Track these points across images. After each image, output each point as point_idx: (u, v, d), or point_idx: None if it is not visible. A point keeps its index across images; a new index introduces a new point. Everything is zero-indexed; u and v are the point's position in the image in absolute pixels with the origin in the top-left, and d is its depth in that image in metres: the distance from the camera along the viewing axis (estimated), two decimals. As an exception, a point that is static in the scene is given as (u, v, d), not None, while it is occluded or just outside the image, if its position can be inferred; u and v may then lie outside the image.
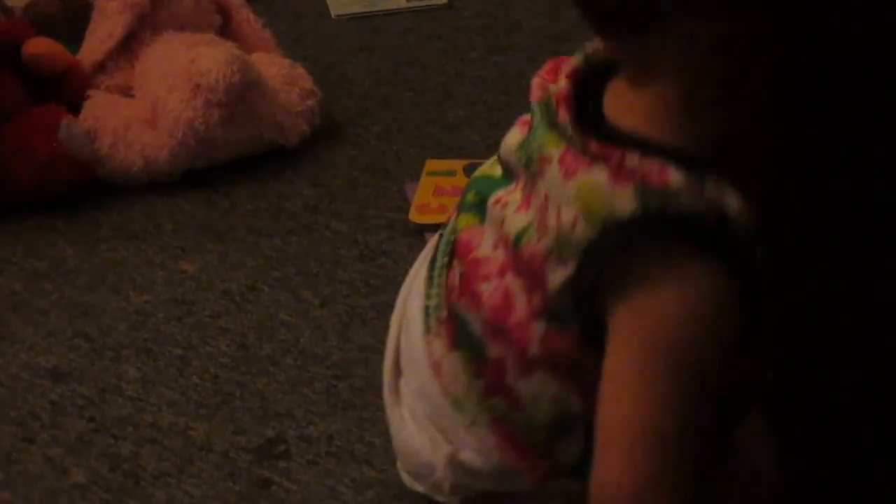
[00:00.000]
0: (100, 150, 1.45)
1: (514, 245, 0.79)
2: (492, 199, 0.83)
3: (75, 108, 1.47)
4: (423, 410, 0.90)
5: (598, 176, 0.73)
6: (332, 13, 1.87)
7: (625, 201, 0.72)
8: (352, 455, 1.05)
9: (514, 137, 0.83)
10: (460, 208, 0.88)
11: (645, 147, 0.72)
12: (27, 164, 1.41)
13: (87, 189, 1.45)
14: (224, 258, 1.33)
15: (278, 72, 1.54)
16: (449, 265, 0.87)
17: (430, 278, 0.90)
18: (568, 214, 0.74)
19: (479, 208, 0.85)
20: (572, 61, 0.80)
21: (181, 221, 1.40)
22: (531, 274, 0.77)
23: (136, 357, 1.18)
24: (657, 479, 0.73)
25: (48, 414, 1.12)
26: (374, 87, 1.65)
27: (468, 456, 0.87)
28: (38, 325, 1.24)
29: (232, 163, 1.48)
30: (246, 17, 1.65)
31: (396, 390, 0.93)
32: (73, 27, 1.66)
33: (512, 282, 0.79)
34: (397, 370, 0.94)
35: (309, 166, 1.49)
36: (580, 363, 0.77)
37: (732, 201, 0.72)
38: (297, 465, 1.04)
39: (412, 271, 0.95)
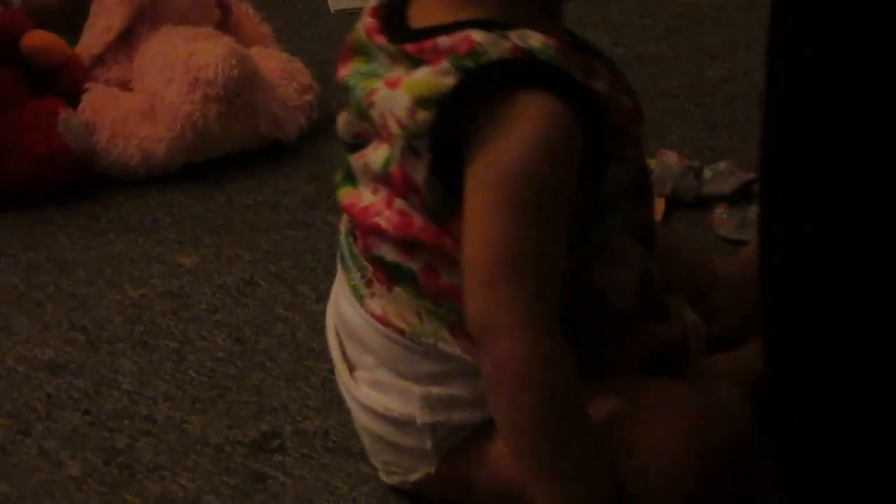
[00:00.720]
0: (98, 143, 1.45)
1: (383, 176, 0.86)
2: (353, 160, 0.90)
3: (73, 102, 1.47)
4: (386, 376, 0.92)
5: (420, 71, 0.82)
6: (331, 7, 1.87)
7: (446, 75, 0.81)
8: (347, 450, 1.05)
9: (340, 118, 0.92)
10: (337, 191, 0.94)
11: (451, 28, 0.81)
12: (25, 156, 1.41)
13: (84, 182, 1.45)
14: (221, 252, 1.33)
15: (276, 66, 1.54)
16: (356, 240, 0.93)
17: (345, 267, 0.95)
18: (404, 110, 0.81)
19: (348, 176, 0.92)
20: (370, 4, 0.89)
21: (178, 215, 1.40)
22: (403, 186, 0.84)
23: (133, 350, 1.19)
24: (517, 303, 0.80)
25: (44, 406, 1.12)
26: (372, 83, 1.65)
27: (442, 390, 0.90)
28: (35, 317, 1.24)
29: (229, 157, 1.49)
30: (245, 11, 1.65)
31: (353, 378, 0.96)
32: (71, 20, 1.66)
33: (401, 204, 0.86)
34: (348, 364, 0.97)
35: (306, 161, 1.49)
36: None
37: (535, 40, 0.81)
38: (292, 459, 1.05)
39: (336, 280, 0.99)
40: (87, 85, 1.50)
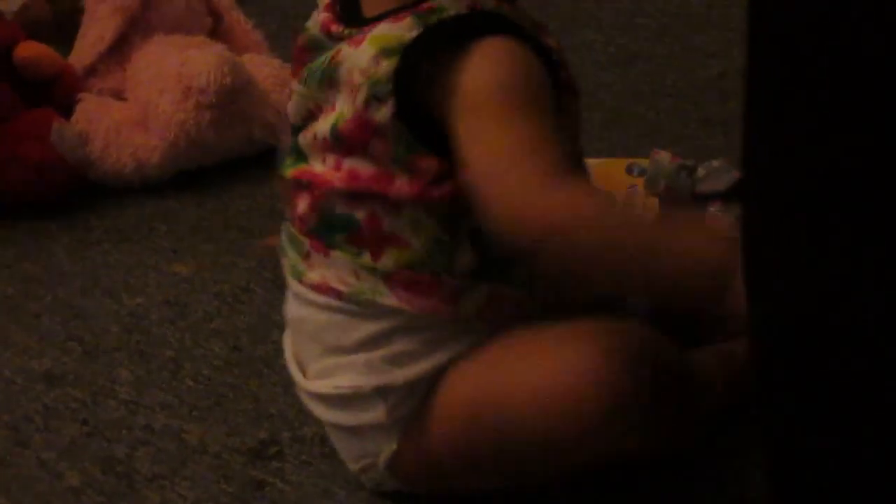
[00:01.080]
0: (92, 153, 1.45)
1: (332, 137, 0.89)
2: (301, 138, 0.94)
3: (67, 112, 1.47)
4: (332, 360, 0.94)
5: (383, 26, 0.87)
6: (324, 13, 1.87)
7: (410, 30, 0.86)
8: (345, 455, 1.05)
9: (290, 104, 0.96)
10: (285, 172, 0.96)
11: (399, 10, 0.88)
12: (19, 167, 1.41)
13: (79, 192, 1.45)
14: (217, 260, 1.33)
15: (269, 73, 1.54)
16: (293, 222, 0.96)
17: (286, 256, 0.97)
18: (368, 60, 0.86)
19: (298, 157, 0.95)
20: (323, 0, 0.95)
21: (173, 223, 1.41)
22: (359, 136, 0.88)
23: (130, 360, 1.18)
24: (535, 177, 0.83)
25: (42, 417, 1.12)
26: (365, 87, 1.65)
27: (383, 351, 0.91)
28: (31, 328, 1.24)
29: (224, 164, 1.49)
30: (237, 19, 1.65)
31: (306, 377, 0.98)
32: (63, 31, 1.66)
33: (351, 162, 0.89)
34: (301, 367, 0.99)
35: (301, 167, 1.48)
36: (439, 175, 0.88)
37: (488, 4, 0.88)
38: (290, 465, 1.05)
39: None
40: (80, 95, 1.50)
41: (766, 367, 0.69)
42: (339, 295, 0.92)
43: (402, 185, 0.88)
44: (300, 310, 0.96)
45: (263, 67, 1.55)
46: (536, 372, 0.88)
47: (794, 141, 0.63)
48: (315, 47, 0.93)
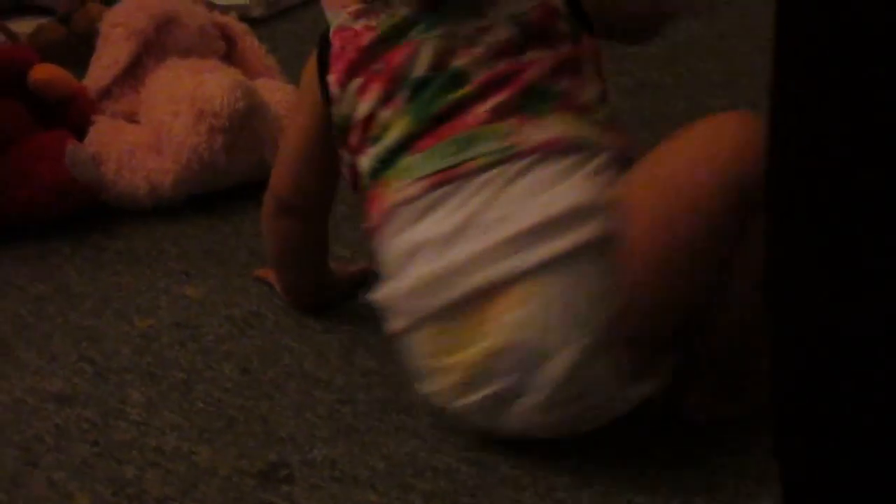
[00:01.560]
0: (105, 175, 1.46)
1: (520, 30, 1.08)
2: (459, 62, 1.08)
3: (81, 134, 1.48)
4: (557, 193, 1.03)
5: None
6: (335, 39, 1.88)
7: None
8: (355, 479, 1.05)
9: (417, 62, 1.09)
10: (454, 96, 1.08)
11: None
12: (33, 188, 1.42)
13: (91, 214, 1.45)
14: (228, 283, 1.34)
15: (282, 97, 1.55)
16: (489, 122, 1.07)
17: (472, 157, 1.05)
18: None
19: (451, 84, 1.08)
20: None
21: (185, 246, 1.41)
22: (547, 19, 1.10)
23: (140, 381, 1.19)
24: None
25: (52, 438, 1.12)
26: (376, 113, 1.65)
27: (597, 181, 1.05)
28: (43, 349, 1.24)
29: (236, 188, 1.49)
30: (250, 44, 1.66)
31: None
32: (78, 53, 1.68)
33: (532, 54, 1.09)
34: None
35: (312, 191, 1.49)
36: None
37: None
38: (300, 489, 1.05)
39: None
40: (94, 118, 1.51)
41: (785, 382, 0.69)
42: (568, 142, 1.05)
43: (580, 49, 1.10)
44: (503, 190, 1.04)
45: (276, 92, 1.56)
46: (692, 150, 1.07)
47: (812, 156, 0.64)
48: (404, 29, 1.09)
